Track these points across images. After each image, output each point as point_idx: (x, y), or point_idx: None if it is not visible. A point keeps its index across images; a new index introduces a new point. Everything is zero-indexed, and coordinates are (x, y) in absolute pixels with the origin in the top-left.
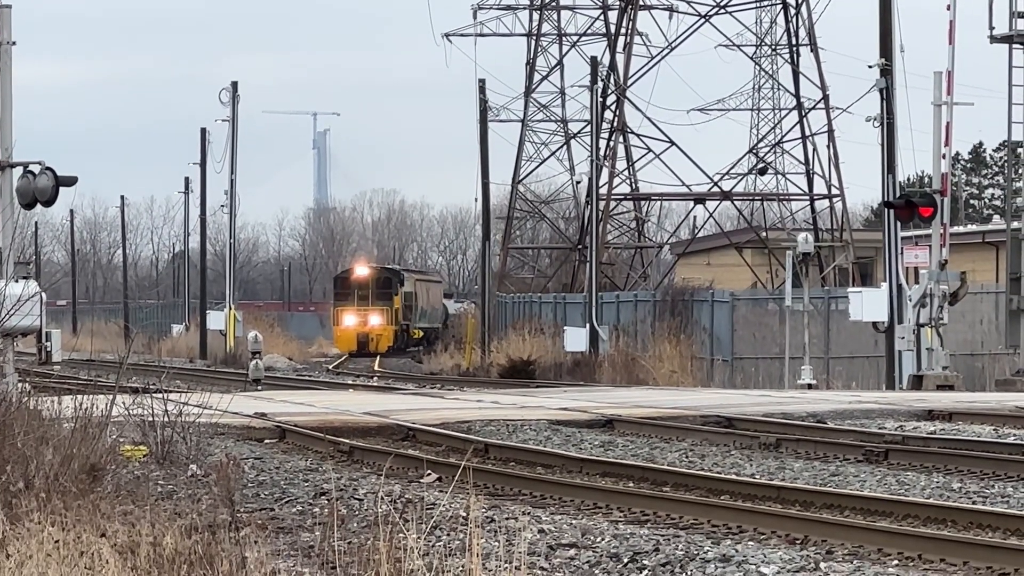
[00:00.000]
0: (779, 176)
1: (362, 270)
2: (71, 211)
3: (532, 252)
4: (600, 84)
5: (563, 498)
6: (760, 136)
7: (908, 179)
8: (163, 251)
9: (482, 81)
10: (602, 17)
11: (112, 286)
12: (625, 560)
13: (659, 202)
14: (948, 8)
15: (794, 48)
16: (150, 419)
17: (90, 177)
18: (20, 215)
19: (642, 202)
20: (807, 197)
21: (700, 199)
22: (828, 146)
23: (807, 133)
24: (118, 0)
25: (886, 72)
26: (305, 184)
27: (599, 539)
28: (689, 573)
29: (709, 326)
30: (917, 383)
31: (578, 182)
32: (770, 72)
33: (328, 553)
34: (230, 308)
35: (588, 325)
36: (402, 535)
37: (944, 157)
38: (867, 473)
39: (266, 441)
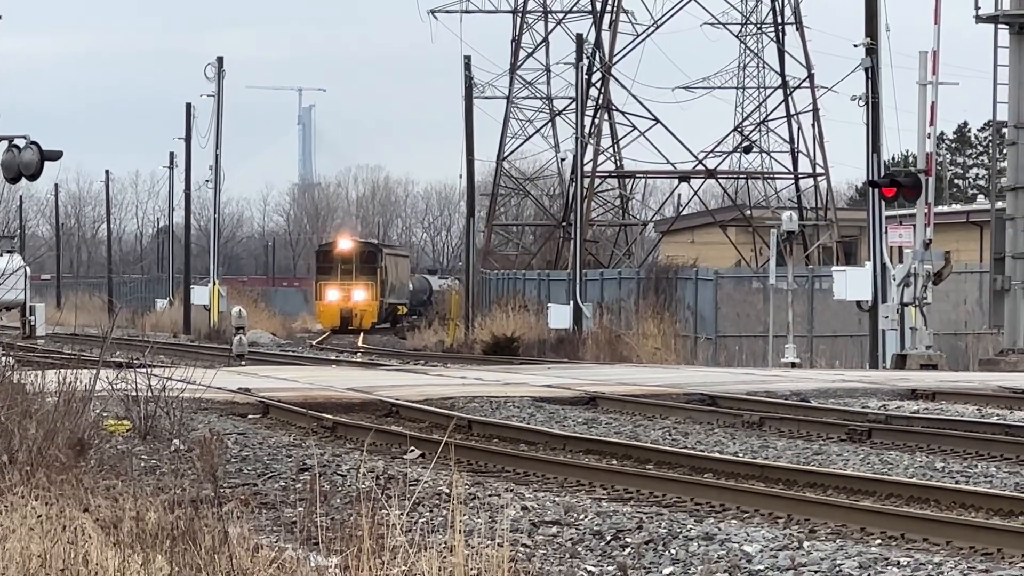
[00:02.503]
0: (764, 155)
1: (346, 243)
2: (56, 185)
3: (516, 229)
4: (585, 62)
5: (546, 475)
6: (745, 115)
7: (893, 158)
8: (148, 226)
9: (467, 58)
10: None
11: (96, 260)
12: (608, 538)
13: (644, 180)
14: None
15: (779, 27)
16: (134, 394)
17: (75, 151)
18: (5, 189)
19: (627, 180)
20: (792, 176)
21: (685, 177)
22: (813, 125)
23: (792, 112)
24: None
25: (871, 51)
26: (290, 159)
27: (582, 516)
28: (672, 551)
29: (693, 304)
30: (901, 362)
31: (563, 159)
32: (755, 51)
33: (311, 529)
34: (214, 283)
35: (572, 302)
36: (385, 511)
37: (929, 137)
38: (850, 452)
39: (249, 416)
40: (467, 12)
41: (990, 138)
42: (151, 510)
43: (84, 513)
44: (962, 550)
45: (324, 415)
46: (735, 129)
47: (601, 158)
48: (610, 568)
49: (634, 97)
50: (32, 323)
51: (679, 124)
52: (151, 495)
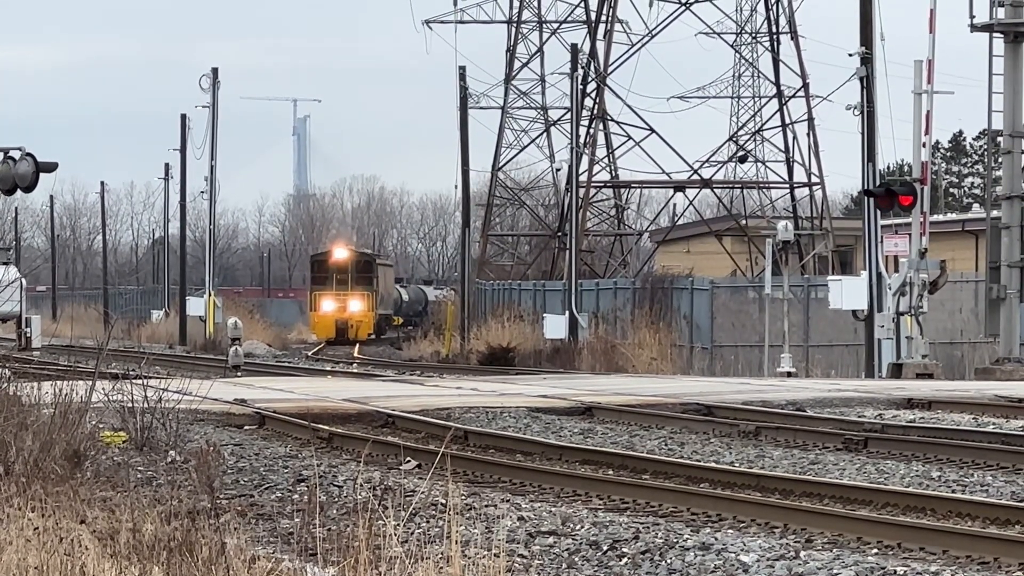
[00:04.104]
0: (759, 164)
1: (341, 252)
2: (51, 197)
3: (512, 239)
4: (580, 71)
5: (542, 486)
6: (740, 124)
7: (888, 167)
8: (143, 237)
9: (462, 68)
10: (582, 4)
11: (92, 272)
12: (604, 548)
13: (639, 189)
14: None
15: (774, 36)
16: (130, 405)
17: (70, 163)
18: (0, 201)
19: (622, 189)
20: (787, 185)
21: (680, 187)
22: (808, 134)
23: (787, 121)
24: None
25: (867, 60)
26: (285, 170)
27: (579, 527)
28: (668, 561)
29: (688, 314)
30: (896, 371)
31: (558, 169)
32: (750, 60)
33: (308, 540)
34: (210, 294)
35: (567, 312)
36: (381, 522)
37: (924, 146)
38: (846, 461)
39: (246, 427)
40: (462, 22)
41: (985, 147)
42: (148, 521)
43: (81, 525)
44: (959, 559)
45: (320, 426)
46: (730, 139)
47: (596, 168)
48: None
49: (629, 107)
50: (28, 335)
51: (674, 134)
52: (148, 506)
